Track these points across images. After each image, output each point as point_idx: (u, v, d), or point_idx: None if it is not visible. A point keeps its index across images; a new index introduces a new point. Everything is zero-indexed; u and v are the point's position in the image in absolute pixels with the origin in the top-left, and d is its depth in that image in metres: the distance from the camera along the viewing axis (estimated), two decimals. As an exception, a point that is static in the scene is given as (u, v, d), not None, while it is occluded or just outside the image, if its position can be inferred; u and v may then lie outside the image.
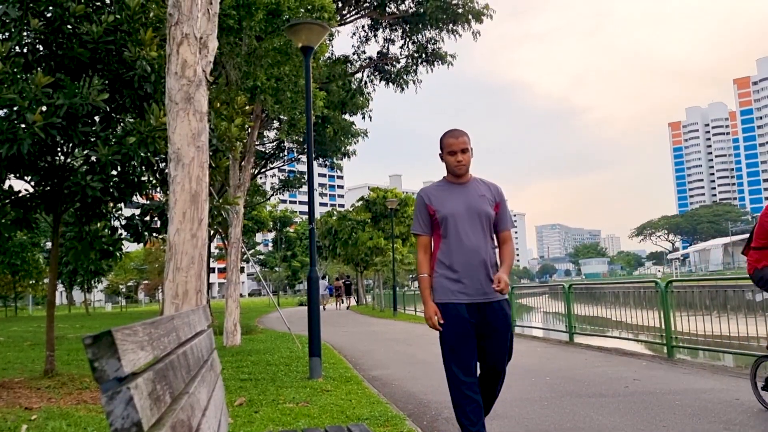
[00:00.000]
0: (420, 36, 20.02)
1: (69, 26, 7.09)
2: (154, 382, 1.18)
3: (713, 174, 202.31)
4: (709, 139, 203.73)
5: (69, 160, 7.55)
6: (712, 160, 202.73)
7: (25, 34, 7.02)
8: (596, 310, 12.32)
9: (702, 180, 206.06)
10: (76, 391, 6.71)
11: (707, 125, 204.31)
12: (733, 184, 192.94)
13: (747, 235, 5.48)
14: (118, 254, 8.66)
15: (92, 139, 7.06)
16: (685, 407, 5.47)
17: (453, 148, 3.62)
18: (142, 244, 9.05)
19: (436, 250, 3.68)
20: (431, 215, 3.68)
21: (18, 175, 7.38)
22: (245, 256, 16.76)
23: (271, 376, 7.93)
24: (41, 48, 7.32)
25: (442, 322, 3.54)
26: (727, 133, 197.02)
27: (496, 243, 3.80)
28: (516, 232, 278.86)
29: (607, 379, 7.23)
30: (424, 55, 20.10)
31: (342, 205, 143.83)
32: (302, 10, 11.49)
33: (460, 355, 3.53)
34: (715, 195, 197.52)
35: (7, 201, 7.51)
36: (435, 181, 3.89)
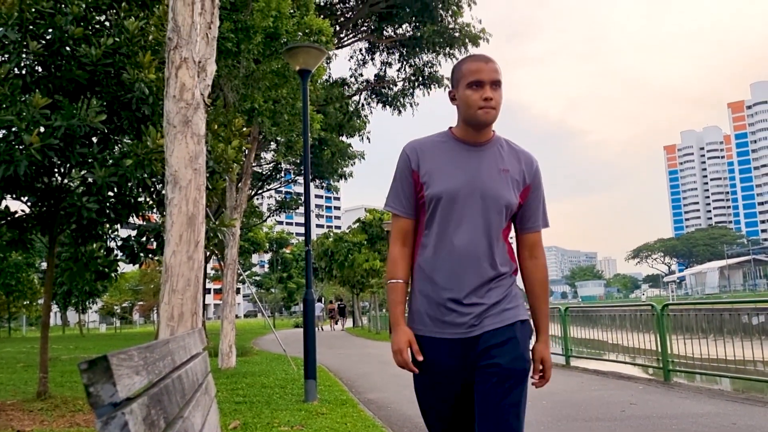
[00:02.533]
0: (417, 59, 20.21)
1: (68, 48, 7.14)
2: (148, 407, 1.18)
3: (708, 197, 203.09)
4: (704, 162, 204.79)
5: (66, 180, 7.56)
6: (707, 183, 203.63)
7: (24, 56, 7.07)
8: (593, 333, 12.29)
9: (697, 203, 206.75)
10: (69, 414, 6.66)
11: (702, 149, 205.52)
12: (729, 207, 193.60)
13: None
14: (113, 275, 8.64)
15: (89, 161, 7.08)
16: (682, 432, 5.45)
17: (480, 76, 2.15)
18: (137, 265, 9.03)
19: (417, 248, 2.31)
20: (416, 188, 2.27)
21: (14, 195, 7.39)
22: (241, 278, 16.72)
23: (266, 398, 7.87)
24: (40, 70, 7.37)
25: (420, 358, 2.20)
26: (722, 157, 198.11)
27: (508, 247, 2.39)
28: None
29: (603, 402, 7.20)
30: (420, 78, 20.27)
31: (338, 227, 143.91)
32: (300, 34, 11.59)
33: (440, 420, 2.25)
34: (710, 218, 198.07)
35: (2, 222, 7.51)
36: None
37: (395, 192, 2.31)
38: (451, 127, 2.35)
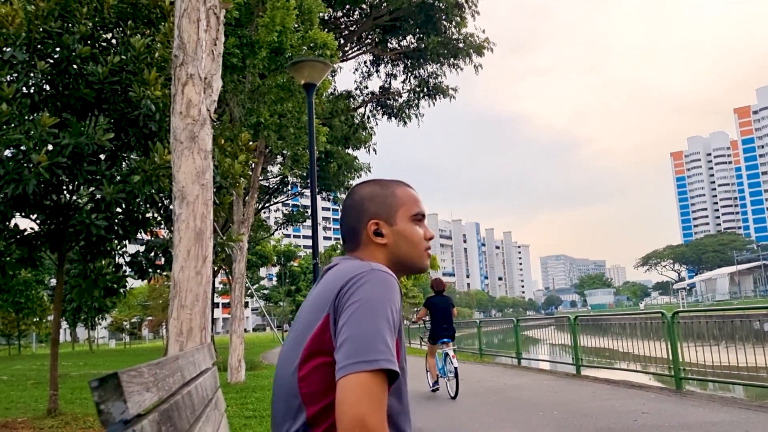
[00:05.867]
0: (421, 70, 20.29)
1: (75, 67, 7.22)
2: (159, 424, 1.19)
3: (717, 203, 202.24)
4: (711, 168, 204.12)
5: (74, 198, 7.61)
6: (715, 189, 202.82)
7: (31, 75, 7.14)
8: (603, 342, 12.23)
9: (706, 209, 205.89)
10: (80, 431, 6.66)
11: (709, 155, 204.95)
12: (737, 212, 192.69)
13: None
14: (122, 291, 8.68)
15: (97, 178, 7.13)
16: (695, 440, 5.40)
17: (423, 209, 1.67)
18: (146, 281, 9.07)
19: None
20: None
21: (23, 213, 7.44)
22: (249, 291, 16.75)
23: (276, 413, 7.85)
24: (48, 88, 7.43)
25: None
26: (730, 162, 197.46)
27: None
28: (520, 264, 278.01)
29: (615, 412, 7.15)
30: (425, 90, 20.34)
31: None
32: (305, 48, 11.66)
33: None
34: (719, 224, 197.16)
35: (12, 240, 7.56)
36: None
37: (389, 339, 1.34)
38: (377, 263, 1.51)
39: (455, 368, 8.94)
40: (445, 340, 9.51)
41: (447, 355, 9.35)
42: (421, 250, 1.62)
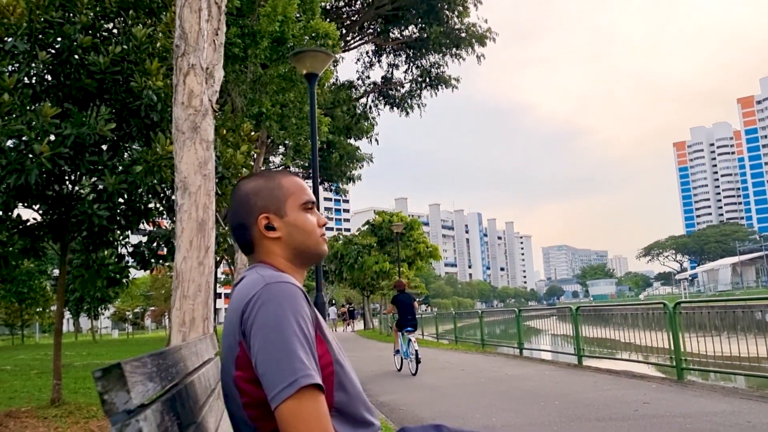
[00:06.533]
0: (424, 60, 20.25)
1: (76, 57, 7.19)
2: (162, 414, 1.19)
3: (719, 193, 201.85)
4: (714, 158, 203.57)
5: (76, 188, 7.61)
6: (718, 179, 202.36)
7: (33, 65, 7.12)
8: (605, 332, 12.24)
9: (708, 200, 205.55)
10: (83, 420, 6.69)
11: (712, 145, 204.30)
12: (740, 203, 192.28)
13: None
14: (124, 282, 8.69)
15: (99, 168, 7.12)
16: (696, 431, 5.41)
17: (312, 196, 1.65)
18: (148, 271, 9.10)
19: None
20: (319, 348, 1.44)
21: (26, 204, 7.44)
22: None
23: (279, 402, 7.87)
24: (49, 78, 7.42)
25: None
26: (732, 153, 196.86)
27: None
28: (522, 254, 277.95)
29: (616, 402, 7.17)
30: (428, 80, 20.30)
31: (348, 230, 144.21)
32: (306, 38, 11.63)
33: None
34: (722, 214, 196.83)
35: (14, 230, 7.57)
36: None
37: (302, 353, 1.34)
38: (273, 265, 1.56)
39: (416, 351, 11.23)
40: (409, 329, 11.81)
41: (410, 340, 11.60)
42: (317, 237, 1.62)
